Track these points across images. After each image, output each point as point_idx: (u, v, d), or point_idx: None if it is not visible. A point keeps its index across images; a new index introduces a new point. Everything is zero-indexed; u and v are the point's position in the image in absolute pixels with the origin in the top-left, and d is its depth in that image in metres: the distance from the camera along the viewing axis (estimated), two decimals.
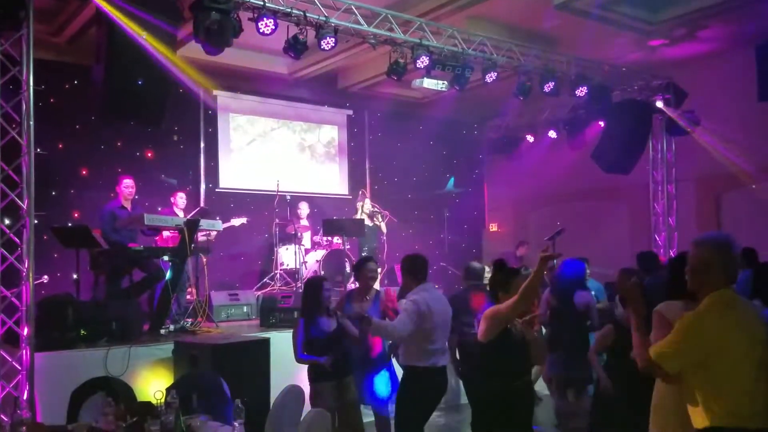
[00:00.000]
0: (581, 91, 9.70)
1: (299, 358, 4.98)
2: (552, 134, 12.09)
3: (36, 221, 5.82)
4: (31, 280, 5.61)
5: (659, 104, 10.65)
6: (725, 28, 9.55)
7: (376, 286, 5.82)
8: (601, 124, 10.71)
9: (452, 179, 12.52)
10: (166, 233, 8.04)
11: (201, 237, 8.55)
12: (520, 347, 3.85)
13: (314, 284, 5.16)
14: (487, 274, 6.74)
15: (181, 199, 8.66)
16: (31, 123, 5.72)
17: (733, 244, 2.99)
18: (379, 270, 9.62)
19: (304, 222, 10.22)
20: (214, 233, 8.58)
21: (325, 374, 4.89)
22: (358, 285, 5.59)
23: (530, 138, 12.63)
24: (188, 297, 8.20)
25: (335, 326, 5.02)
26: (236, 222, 9.11)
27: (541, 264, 3.71)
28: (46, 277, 7.99)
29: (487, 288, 4.26)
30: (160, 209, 9.05)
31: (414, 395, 4.69)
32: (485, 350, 3.84)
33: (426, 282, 4.88)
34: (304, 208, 10.32)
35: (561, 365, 5.86)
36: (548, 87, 9.29)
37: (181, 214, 8.42)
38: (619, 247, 10.71)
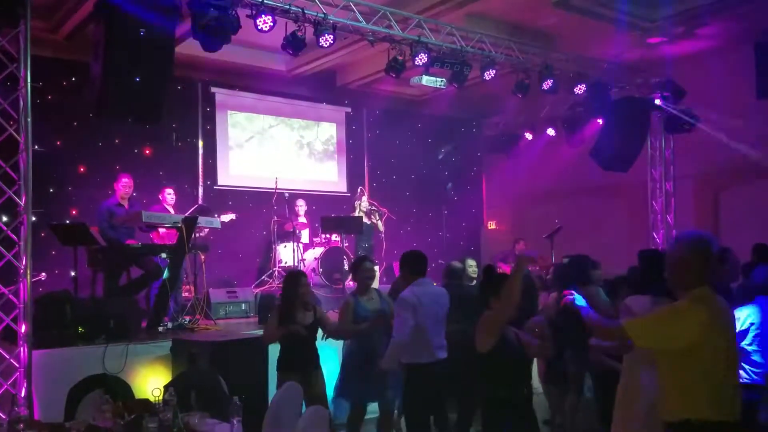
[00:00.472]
0: (580, 89, 9.70)
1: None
2: (550, 132, 12.10)
3: (34, 218, 5.80)
4: (28, 277, 5.59)
5: (658, 102, 10.65)
6: (724, 26, 9.55)
7: (375, 284, 5.80)
8: (600, 121, 10.71)
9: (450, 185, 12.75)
10: (162, 230, 8.02)
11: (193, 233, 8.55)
12: (518, 354, 3.83)
13: (292, 277, 5.31)
14: (471, 272, 6.80)
15: (169, 195, 8.59)
16: (29, 120, 5.70)
17: (712, 244, 3.04)
18: (377, 268, 9.64)
19: (302, 219, 10.21)
20: (206, 230, 8.56)
21: (294, 365, 5.05)
22: (356, 285, 5.58)
23: (529, 135, 12.63)
24: (186, 294, 8.19)
25: (311, 320, 5.18)
26: (225, 218, 9.10)
27: (519, 266, 3.74)
28: (43, 274, 7.98)
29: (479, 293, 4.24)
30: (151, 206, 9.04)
31: (418, 393, 4.70)
32: (483, 359, 3.81)
33: (424, 277, 4.91)
34: (302, 206, 10.32)
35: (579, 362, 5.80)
36: (547, 84, 9.28)
37: (171, 210, 8.38)
38: (617, 244, 10.72)
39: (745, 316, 4.58)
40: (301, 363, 5.10)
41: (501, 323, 3.77)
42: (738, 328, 4.27)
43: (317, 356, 5.26)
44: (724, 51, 10.29)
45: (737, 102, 10.03)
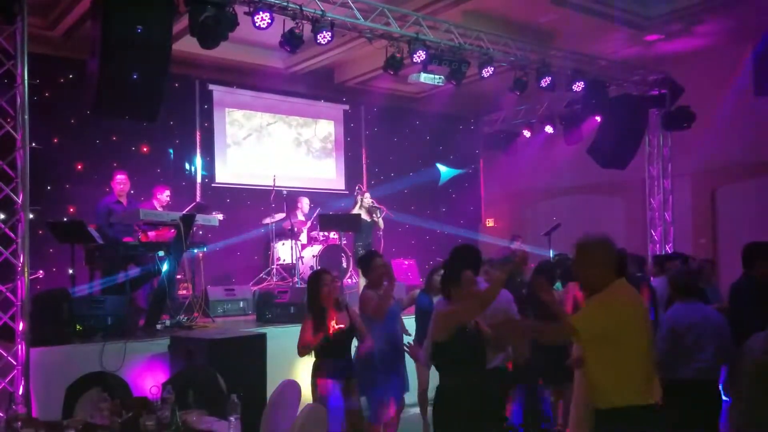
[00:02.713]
0: (577, 86, 9.71)
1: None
2: (548, 129, 12.11)
3: (31, 216, 5.79)
4: (26, 274, 5.59)
5: (655, 99, 10.66)
6: (721, 23, 9.56)
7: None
8: (598, 119, 10.72)
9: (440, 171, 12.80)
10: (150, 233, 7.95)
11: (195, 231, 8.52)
12: (475, 343, 3.83)
13: (313, 278, 5.07)
14: None
15: (164, 195, 8.39)
16: (26, 117, 5.69)
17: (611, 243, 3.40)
18: None
19: (301, 217, 10.20)
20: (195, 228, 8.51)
21: (331, 375, 4.79)
22: (368, 281, 5.39)
23: (527, 133, 12.64)
24: (183, 292, 8.17)
25: (347, 323, 4.90)
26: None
27: (499, 276, 3.81)
28: (41, 272, 7.95)
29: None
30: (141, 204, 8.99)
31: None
32: (439, 349, 3.83)
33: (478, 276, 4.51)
34: (305, 204, 10.31)
35: None
36: (545, 82, 9.29)
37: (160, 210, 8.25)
38: (615, 241, 10.72)
39: None
40: (339, 371, 4.82)
41: (461, 322, 3.78)
42: None
43: (353, 362, 5.00)
44: (721, 48, 10.30)
45: (734, 99, 10.04)
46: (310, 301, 4.98)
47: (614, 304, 3.16)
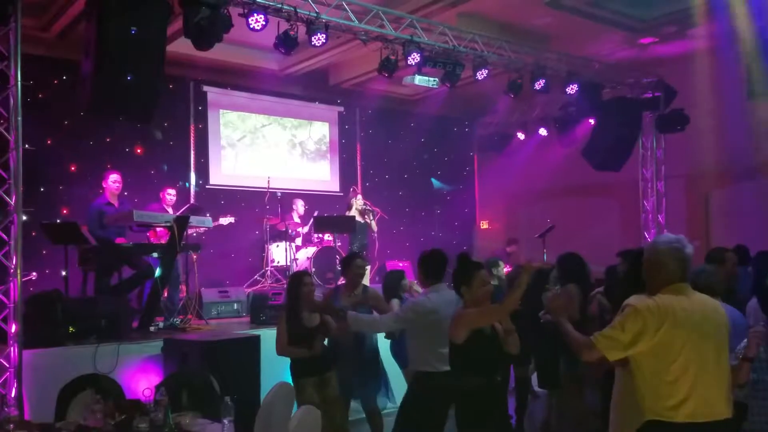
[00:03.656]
0: (572, 89, 9.72)
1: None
2: (542, 132, 12.12)
3: (24, 217, 5.78)
4: (19, 276, 5.57)
5: (649, 102, 10.70)
6: (715, 26, 9.59)
7: (366, 281, 5.77)
8: (592, 121, 10.75)
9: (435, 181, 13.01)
10: (159, 229, 7.97)
11: (191, 232, 8.53)
12: (491, 345, 3.84)
13: (296, 279, 5.22)
14: (500, 273, 6.76)
15: (170, 195, 8.58)
16: (19, 118, 5.68)
17: (685, 246, 3.10)
18: (368, 267, 9.62)
19: (297, 219, 10.19)
20: (203, 229, 8.55)
21: (307, 370, 4.94)
22: (345, 281, 5.54)
23: (521, 135, 12.65)
24: (181, 294, 8.17)
25: (317, 321, 5.07)
26: (224, 221, 9.09)
27: (523, 277, 3.72)
28: (34, 273, 7.92)
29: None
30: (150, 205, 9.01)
31: (425, 402, 4.43)
32: (457, 350, 3.82)
33: (441, 282, 4.57)
34: (300, 206, 10.30)
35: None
36: (539, 84, 9.31)
37: (170, 210, 8.37)
38: (609, 244, 10.75)
39: None
40: (314, 366, 5.00)
41: (481, 324, 3.78)
42: None
43: (330, 358, 5.15)
44: (715, 51, 10.34)
45: (728, 102, 10.08)
46: (287, 299, 5.17)
47: (647, 314, 2.93)
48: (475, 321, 3.78)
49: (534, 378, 6.61)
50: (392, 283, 6.03)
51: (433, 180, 13.41)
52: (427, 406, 4.42)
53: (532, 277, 3.81)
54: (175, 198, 8.65)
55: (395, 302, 5.76)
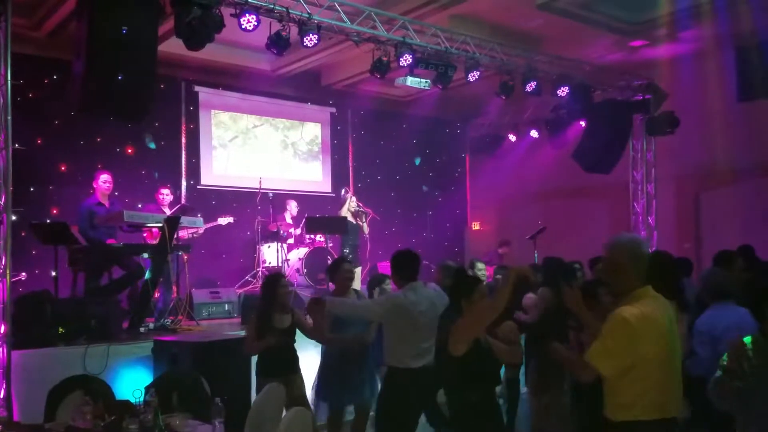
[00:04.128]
0: (563, 91, 9.76)
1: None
2: (534, 134, 12.17)
3: (14, 217, 5.75)
4: (8, 276, 5.55)
5: (640, 104, 10.76)
6: (706, 30, 9.66)
7: (357, 285, 5.78)
8: (582, 123, 10.80)
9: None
10: (155, 229, 7.94)
11: (187, 234, 8.52)
12: (489, 356, 3.84)
13: (271, 281, 5.27)
14: (480, 276, 6.77)
15: (165, 195, 8.55)
16: (9, 118, 5.65)
17: (643, 245, 3.14)
18: (359, 269, 9.63)
19: (289, 220, 10.18)
20: (201, 231, 8.56)
21: (272, 370, 4.99)
22: (334, 286, 5.48)
23: (512, 137, 12.70)
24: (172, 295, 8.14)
25: (289, 323, 5.15)
26: (223, 221, 9.09)
27: (510, 280, 3.70)
28: (23, 274, 7.90)
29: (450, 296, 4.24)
30: (140, 206, 8.99)
31: (400, 398, 4.50)
32: (457, 363, 3.79)
33: (415, 281, 4.63)
34: (293, 207, 10.29)
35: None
36: (530, 86, 9.34)
37: (167, 210, 8.35)
38: (599, 245, 10.80)
39: None
40: (280, 367, 5.06)
41: (477, 331, 3.77)
42: None
43: (296, 359, 5.24)
44: (705, 54, 10.41)
45: (718, 105, 10.15)
46: (262, 299, 5.25)
47: (637, 325, 2.89)
48: (473, 328, 3.74)
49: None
50: (375, 283, 6.17)
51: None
52: (401, 402, 4.49)
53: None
54: (171, 198, 8.64)
55: None
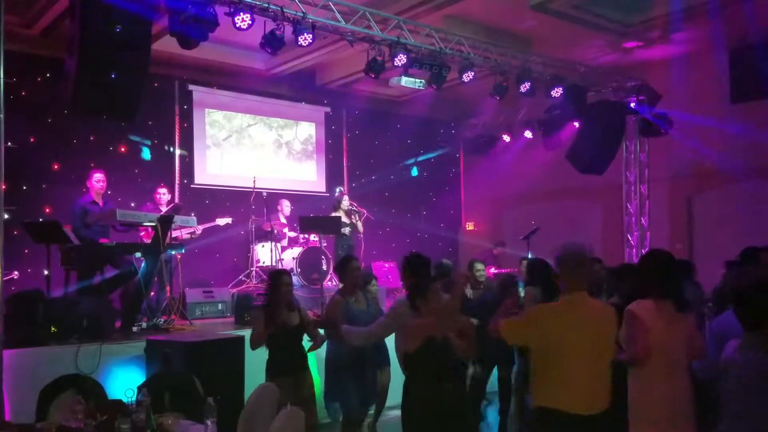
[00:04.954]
0: (556, 92, 9.79)
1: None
2: (528, 134, 12.20)
3: (6, 216, 5.71)
4: (0, 275, 5.50)
5: (633, 105, 10.79)
6: (699, 31, 9.69)
7: None
8: (576, 124, 10.83)
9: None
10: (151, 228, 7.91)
11: (185, 235, 8.50)
12: (444, 353, 3.83)
13: (276, 278, 5.22)
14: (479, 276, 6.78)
15: (163, 195, 8.50)
16: (2, 116, 5.60)
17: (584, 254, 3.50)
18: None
19: (283, 219, 10.17)
20: (199, 231, 8.53)
21: (284, 369, 4.95)
22: (343, 285, 5.48)
23: (506, 138, 12.73)
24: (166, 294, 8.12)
25: (296, 321, 5.10)
26: (221, 222, 9.07)
27: (458, 287, 3.91)
28: (16, 272, 7.87)
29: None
30: (133, 204, 8.96)
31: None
32: (409, 359, 3.86)
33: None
34: (286, 206, 10.27)
35: None
36: (524, 87, 9.36)
37: (164, 210, 8.32)
38: (592, 246, 10.82)
39: None
40: (290, 365, 5.02)
41: (428, 334, 3.80)
42: None
43: (306, 358, 5.18)
44: (698, 56, 10.45)
45: (711, 106, 10.19)
46: (267, 297, 5.19)
47: (549, 318, 3.35)
48: (421, 331, 3.81)
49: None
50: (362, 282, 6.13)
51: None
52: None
53: (501, 281, 3.95)
54: (168, 197, 8.63)
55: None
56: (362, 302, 5.39)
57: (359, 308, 5.31)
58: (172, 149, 10.52)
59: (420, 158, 13.54)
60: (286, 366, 5.01)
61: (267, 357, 5.12)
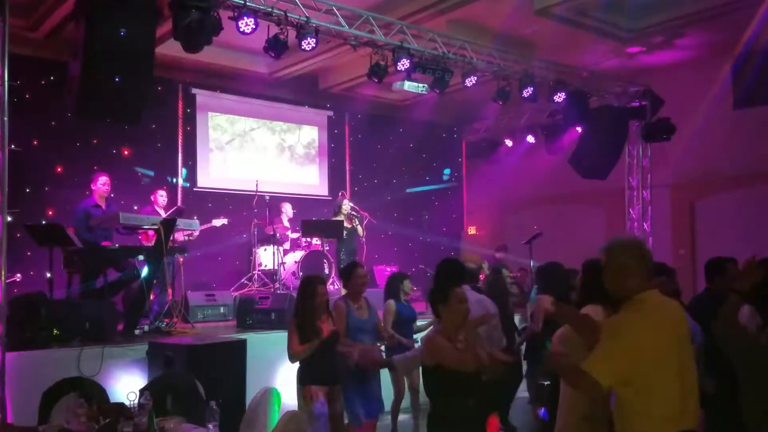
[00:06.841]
0: (559, 97, 9.80)
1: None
2: (530, 139, 12.20)
3: (9, 218, 5.72)
4: (3, 278, 5.51)
5: (636, 111, 10.79)
6: (702, 37, 9.71)
7: None
8: (579, 129, 10.82)
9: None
10: (151, 231, 7.93)
11: (183, 236, 8.51)
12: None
13: (309, 285, 4.93)
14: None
15: (161, 197, 8.55)
16: (6, 119, 5.63)
17: (645, 245, 2.98)
18: None
19: (285, 223, 10.17)
20: (197, 233, 8.53)
21: (319, 377, 4.75)
22: (347, 291, 5.33)
23: (509, 142, 12.73)
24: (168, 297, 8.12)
25: (331, 328, 4.88)
26: (217, 223, 9.07)
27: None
28: (18, 275, 7.88)
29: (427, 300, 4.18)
30: (136, 207, 8.97)
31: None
32: (431, 375, 3.72)
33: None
34: (288, 210, 10.28)
35: None
36: (527, 92, 9.36)
37: (162, 212, 8.33)
38: (595, 251, 10.81)
39: None
40: (325, 376, 4.79)
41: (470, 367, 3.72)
42: None
43: (341, 369, 4.91)
44: (701, 61, 10.46)
45: (714, 112, 10.19)
46: (302, 305, 4.86)
47: (640, 332, 2.69)
48: (446, 359, 3.64)
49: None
50: (394, 284, 6.13)
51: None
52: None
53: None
54: (166, 200, 8.62)
55: (391, 302, 5.94)
56: (364, 310, 5.20)
57: (360, 318, 5.13)
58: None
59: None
60: (322, 374, 4.77)
61: (299, 364, 4.88)
